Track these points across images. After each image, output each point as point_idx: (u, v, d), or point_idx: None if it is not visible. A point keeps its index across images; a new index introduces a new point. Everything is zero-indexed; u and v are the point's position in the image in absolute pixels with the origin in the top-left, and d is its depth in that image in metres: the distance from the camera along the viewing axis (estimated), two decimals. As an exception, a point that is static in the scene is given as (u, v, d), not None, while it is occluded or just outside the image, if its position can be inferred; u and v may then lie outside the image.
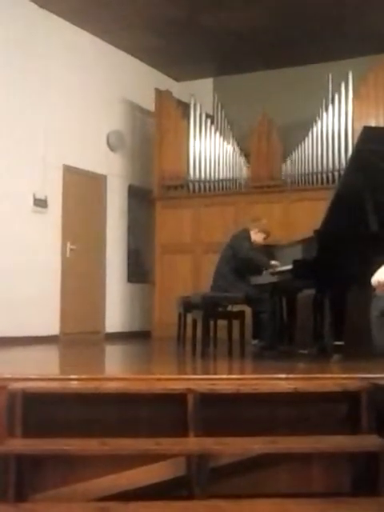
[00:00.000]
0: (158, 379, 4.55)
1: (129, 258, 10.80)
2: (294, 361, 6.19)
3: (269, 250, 7.48)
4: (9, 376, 4.42)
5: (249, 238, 7.07)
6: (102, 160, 10.27)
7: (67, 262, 9.51)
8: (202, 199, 10.18)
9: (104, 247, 10.28)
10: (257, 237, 7.12)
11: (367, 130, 6.17)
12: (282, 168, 9.82)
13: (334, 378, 4.54)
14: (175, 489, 4.07)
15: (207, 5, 9.06)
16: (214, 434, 4.07)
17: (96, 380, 4.53)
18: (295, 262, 6.03)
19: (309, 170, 9.59)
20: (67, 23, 9.62)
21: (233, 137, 10.19)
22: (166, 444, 4.02)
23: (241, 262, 6.90)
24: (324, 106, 9.56)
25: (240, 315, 6.54)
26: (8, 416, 4.08)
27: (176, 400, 4.11)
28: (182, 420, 4.08)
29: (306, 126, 9.69)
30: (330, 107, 9.51)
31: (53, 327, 9.17)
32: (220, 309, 6.71)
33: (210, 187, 10.15)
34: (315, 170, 9.53)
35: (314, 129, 9.61)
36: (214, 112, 10.43)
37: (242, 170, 10.05)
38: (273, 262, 6.74)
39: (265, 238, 7.22)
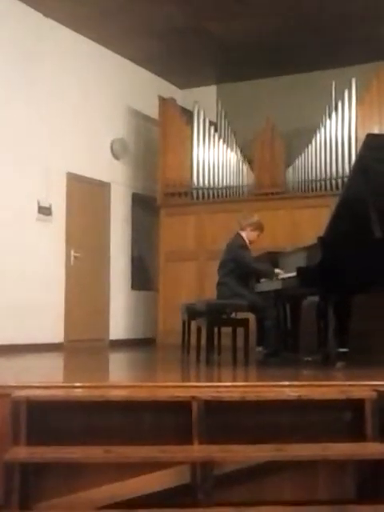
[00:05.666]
0: (163, 387, 4.55)
1: (133, 265, 10.81)
2: (299, 368, 6.18)
3: (272, 257, 7.48)
4: (13, 384, 4.42)
5: (245, 244, 6.99)
6: (106, 168, 10.29)
7: (71, 270, 9.52)
8: (205, 206, 10.19)
9: (108, 255, 10.29)
10: (250, 235, 7.04)
11: (371, 138, 6.16)
12: (286, 175, 9.84)
13: (338, 386, 4.53)
14: (179, 496, 4.06)
15: (210, 13, 9.09)
16: (219, 442, 4.06)
17: (100, 388, 4.53)
18: (299, 269, 6.03)
19: (312, 176, 9.60)
20: (71, 31, 9.66)
21: (236, 144, 10.21)
22: (171, 452, 4.01)
23: (245, 272, 6.87)
24: (327, 113, 9.58)
25: (244, 322, 6.53)
26: (12, 424, 4.08)
27: (180, 407, 4.11)
28: (187, 427, 4.07)
29: (309, 133, 9.71)
30: (334, 114, 9.52)
31: (57, 335, 9.17)
32: (224, 316, 6.70)
33: (213, 194, 10.17)
34: (319, 177, 9.54)
35: (318, 136, 9.63)
36: (217, 119, 10.45)
37: (246, 177, 10.07)
38: (277, 270, 6.72)
39: (259, 235, 7.12)
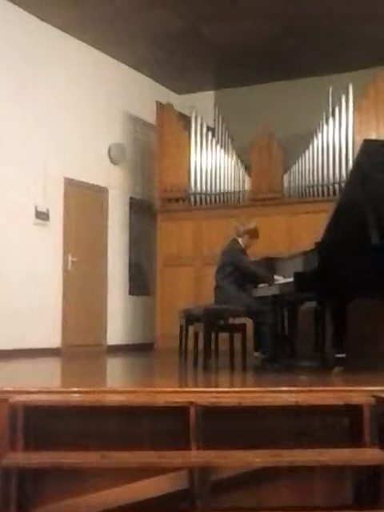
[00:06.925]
0: (160, 392, 4.54)
1: (130, 270, 10.81)
2: (296, 373, 6.18)
3: (270, 263, 7.48)
4: (10, 389, 4.41)
5: (242, 248, 7.02)
6: (104, 173, 10.29)
7: (68, 275, 9.52)
8: (202, 212, 10.19)
9: (105, 260, 10.29)
10: (247, 242, 7.09)
11: (368, 143, 6.19)
12: (283, 180, 9.85)
13: (335, 391, 4.53)
14: (177, 502, 4.06)
15: (208, 18, 9.11)
16: (216, 447, 4.06)
17: (98, 393, 4.52)
18: (296, 275, 6.03)
19: (310, 182, 9.61)
20: (68, 36, 9.66)
21: (234, 149, 10.22)
22: (168, 457, 4.01)
23: (242, 275, 6.89)
24: (325, 119, 9.59)
25: (241, 328, 6.53)
26: (9, 429, 4.07)
27: (178, 413, 4.11)
28: (184, 433, 4.07)
29: (306, 139, 9.72)
30: (331, 120, 9.54)
31: (54, 340, 9.16)
32: (221, 321, 6.69)
33: (210, 200, 10.17)
34: (316, 183, 9.55)
35: (315, 141, 9.64)
36: (215, 125, 10.47)
37: (243, 183, 10.07)
38: (276, 277, 6.73)
39: (254, 241, 7.16)
